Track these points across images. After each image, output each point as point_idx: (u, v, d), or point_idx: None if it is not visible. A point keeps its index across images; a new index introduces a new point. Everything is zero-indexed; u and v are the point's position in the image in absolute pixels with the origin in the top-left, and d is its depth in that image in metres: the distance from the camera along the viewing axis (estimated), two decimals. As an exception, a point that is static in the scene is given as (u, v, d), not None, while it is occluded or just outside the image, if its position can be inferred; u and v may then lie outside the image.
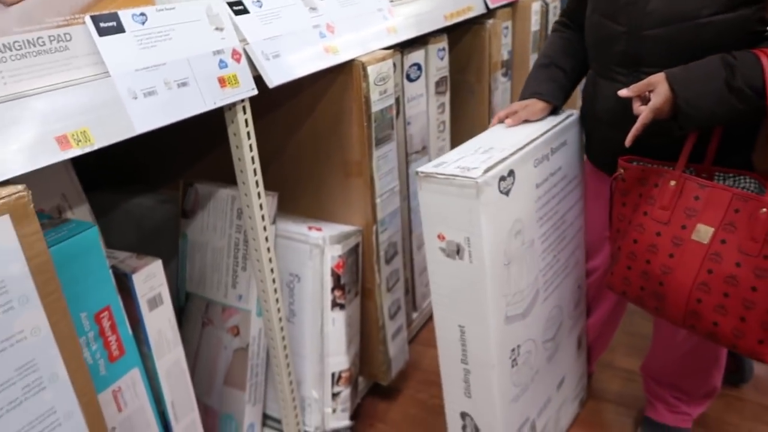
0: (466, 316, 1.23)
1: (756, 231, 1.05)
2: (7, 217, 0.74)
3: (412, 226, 1.91)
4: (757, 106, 1.03)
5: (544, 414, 1.47)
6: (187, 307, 1.54)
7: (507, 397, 1.30)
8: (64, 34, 0.85)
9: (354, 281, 1.54)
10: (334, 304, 1.47)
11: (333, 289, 1.46)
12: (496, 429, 1.30)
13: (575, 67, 1.41)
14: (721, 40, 1.08)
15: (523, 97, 1.42)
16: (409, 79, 1.76)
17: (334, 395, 1.53)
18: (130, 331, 1.04)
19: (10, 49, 0.78)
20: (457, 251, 1.17)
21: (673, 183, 1.17)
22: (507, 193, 1.17)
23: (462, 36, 2.11)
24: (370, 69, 1.39)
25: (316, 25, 1.33)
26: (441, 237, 1.19)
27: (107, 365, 1.01)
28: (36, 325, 0.79)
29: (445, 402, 1.38)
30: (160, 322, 1.13)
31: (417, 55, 1.76)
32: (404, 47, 1.71)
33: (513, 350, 1.29)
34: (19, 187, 0.75)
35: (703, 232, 1.11)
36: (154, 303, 1.12)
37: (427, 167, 1.18)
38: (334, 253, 1.44)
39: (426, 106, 1.87)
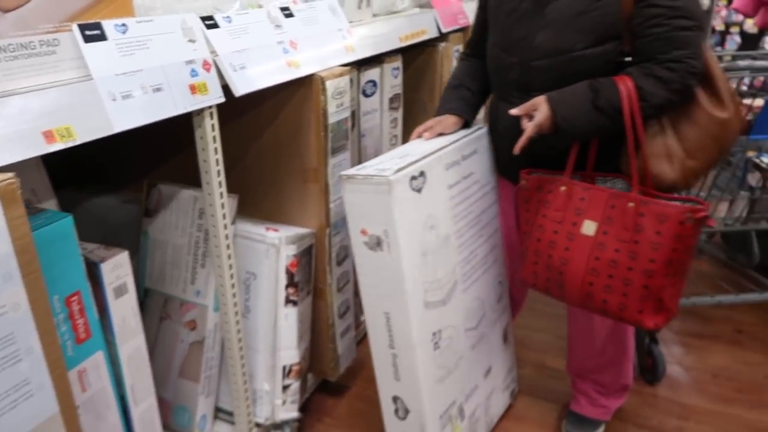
0: (390, 303, 1.39)
1: (627, 221, 1.30)
2: (-4, 202, 0.82)
3: (363, 232, 2.03)
4: (617, 121, 1.27)
5: (472, 399, 1.61)
6: (146, 303, 1.61)
7: (432, 378, 1.45)
8: (53, 39, 0.94)
9: (307, 280, 1.65)
10: (288, 301, 1.57)
11: (287, 287, 1.56)
12: (423, 408, 1.44)
13: (480, 88, 1.62)
14: (592, 69, 1.31)
15: (437, 114, 1.62)
16: (365, 95, 1.89)
17: (284, 387, 1.62)
18: (96, 316, 1.12)
19: (4, 51, 0.87)
20: (378, 243, 1.35)
21: (563, 188, 1.40)
22: (419, 191, 1.36)
23: (416, 57, 2.27)
24: (328, 83, 1.51)
25: (281, 41, 1.45)
26: (364, 232, 1.37)
27: (74, 346, 1.09)
28: (16, 302, 0.87)
29: (378, 388, 1.51)
30: (125, 310, 1.21)
31: (373, 73, 1.89)
32: (361, 65, 1.84)
33: (434, 334, 1.44)
34: (9, 174, 0.83)
35: (589, 227, 1.36)
36: (120, 291, 1.19)
37: (349, 171, 1.36)
38: (288, 253, 1.55)
39: (380, 120, 2.01)
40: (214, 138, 1.29)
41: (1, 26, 0.86)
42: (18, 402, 0.89)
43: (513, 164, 1.50)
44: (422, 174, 1.37)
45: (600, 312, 1.36)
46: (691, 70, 1.23)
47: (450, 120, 1.58)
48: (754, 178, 1.91)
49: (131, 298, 1.22)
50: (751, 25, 4.44)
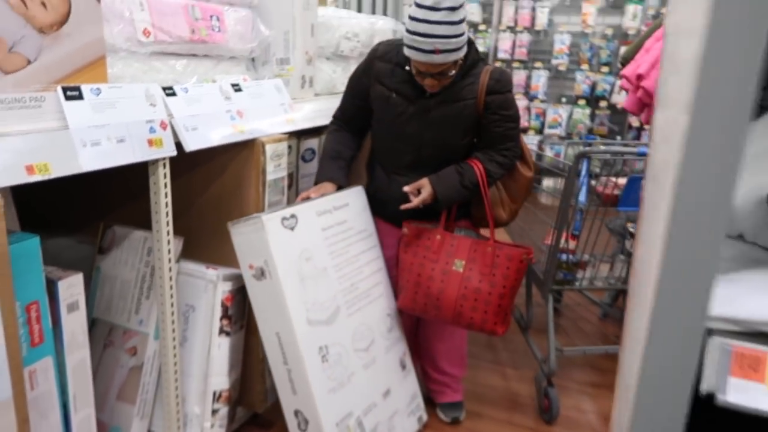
0: (278, 323, 1.67)
1: (486, 260, 1.88)
2: (-16, 215, 1.05)
3: (297, 281, 2.27)
4: (475, 192, 1.89)
5: (372, 415, 1.84)
6: (92, 332, 1.79)
7: (324, 387, 1.70)
8: (41, 96, 1.21)
9: (240, 315, 1.86)
10: (221, 331, 1.78)
11: (221, 318, 1.78)
12: (319, 416, 1.67)
13: (352, 155, 2.06)
14: (461, 153, 1.91)
15: (318, 181, 2.00)
16: (304, 160, 2.19)
17: (214, 411, 1.80)
18: (50, 325, 1.32)
19: (2, 102, 1.13)
20: (262, 273, 1.66)
21: (438, 237, 1.94)
22: (291, 229, 1.70)
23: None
24: (267, 147, 1.81)
25: (229, 110, 1.74)
26: (251, 266, 1.68)
27: (28, 348, 1.28)
28: (-11, 298, 1.08)
29: (282, 406, 1.74)
30: (75, 325, 1.41)
31: (311, 142, 2.20)
32: (302, 135, 2.16)
33: (321, 348, 1.72)
34: (-3, 195, 1.07)
35: (459, 265, 1.86)
36: (72, 308, 1.40)
37: (236, 221, 1.69)
38: (225, 288, 1.77)
39: (317, 183, 2.29)
40: (165, 185, 1.55)
41: (1, 84, 1.13)
42: (-21, 382, 1.08)
43: (398, 216, 1.97)
44: (293, 216, 1.72)
45: (467, 326, 1.90)
46: (517, 154, 1.92)
47: (330, 187, 1.96)
48: (630, 244, 2.26)
49: (81, 315, 1.42)
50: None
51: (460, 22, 1.64)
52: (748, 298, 0.76)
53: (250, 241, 1.66)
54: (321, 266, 1.78)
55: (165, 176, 1.54)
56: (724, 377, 0.72)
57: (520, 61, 5.71)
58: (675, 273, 0.68)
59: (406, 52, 1.72)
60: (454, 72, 1.75)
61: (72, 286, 1.40)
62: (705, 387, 0.73)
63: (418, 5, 1.63)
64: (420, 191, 1.86)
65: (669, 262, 0.68)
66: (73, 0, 1.23)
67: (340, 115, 2.07)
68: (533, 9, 5.60)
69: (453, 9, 1.61)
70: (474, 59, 1.83)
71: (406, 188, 1.86)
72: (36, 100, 1.20)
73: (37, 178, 1.16)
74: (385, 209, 2.04)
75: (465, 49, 1.73)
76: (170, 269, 1.63)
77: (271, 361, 1.74)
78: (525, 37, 5.65)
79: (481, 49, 5.85)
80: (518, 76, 5.72)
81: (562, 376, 2.48)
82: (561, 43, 5.55)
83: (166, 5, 1.61)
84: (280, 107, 2.00)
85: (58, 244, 1.96)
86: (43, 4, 1.18)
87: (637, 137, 5.25)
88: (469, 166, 1.86)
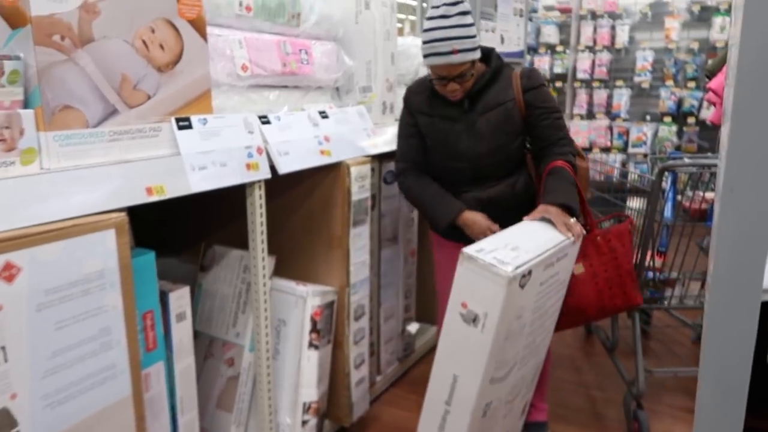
0: (463, 369, 1.53)
1: (602, 250, 1.93)
2: (113, 231, 1.20)
3: (380, 299, 2.35)
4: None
5: None
6: (195, 344, 1.94)
7: None
8: (158, 126, 1.36)
9: (328, 330, 1.96)
10: (311, 345, 1.88)
11: (311, 332, 1.87)
12: None
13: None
14: (517, 156, 1.94)
15: (454, 219, 1.89)
16: (385, 182, 2.29)
17: (304, 422, 1.89)
18: (162, 332, 1.46)
19: (128, 133, 1.29)
20: (474, 320, 1.48)
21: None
22: (523, 287, 1.49)
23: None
24: (352, 169, 1.91)
25: (317, 136, 1.87)
26: (464, 305, 1.49)
27: (144, 353, 1.42)
28: (115, 304, 1.23)
29: (418, 429, 1.65)
30: (183, 333, 1.55)
31: (393, 165, 2.29)
32: (384, 158, 2.26)
33: (488, 404, 1.59)
34: (123, 213, 1.22)
35: (579, 268, 1.92)
36: (180, 317, 1.54)
37: (470, 250, 1.49)
38: (314, 303, 1.87)
39: (399, 204, 2.38)
40: (261, 205, 1.68)
41: (127, 116, 1.29)
42: (106, 380, 1.22)
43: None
44: (530, 273, 1.49)
45: (614, 313, 2.05)
46: (572, 142, 1.93)
47: (478, 215, 1.89)
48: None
49: (188, 324, 1.56)
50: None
51: (471, 24, 1.78)
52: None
53: (480, 285, 1.45)
54: (523, 323, 1.59)
55: (261, 197, 1.67)
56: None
57: (601, 80, 5.62)
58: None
59: (427, 62, 1.80)
60: (473, 74, 1.82)
61: (180, 298, 1.54)
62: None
63: (431, 17, 1.77)
64: (548, 219, 1.72)
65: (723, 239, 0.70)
66: (185, 41, 1.39)
67: (405, 165, 2.01)
68: (613, 27, 5.51)
69: (463, 13, 1.75)
70: (497, 65, 1.90)
71: (526, 219, 1.76)
72: (154, 130, 1.36)
73: (155, 198, 1.31)
74: (457, 231, 1.96)
75: (479, 52, 1.80)
76: (264, 285, 1.75)
77: (430, 391, 1.60)
78: (605, 56, 5.56)
79: (558, 70, 5.82)
80: (599, 96, 5.62)
81: (653, 399, 2.39)
82: (643, 59, 5.41)
83: (261, 42, 1.76)
84: (363, 132, 2.11)
85: (164, 264, 2.14)
86: (161, 47, 1.34)
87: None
88: (555, 167, 1.83)
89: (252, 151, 1.61)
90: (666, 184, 1.93)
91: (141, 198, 1.28)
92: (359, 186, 1.96)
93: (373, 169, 2.06)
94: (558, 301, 1.83)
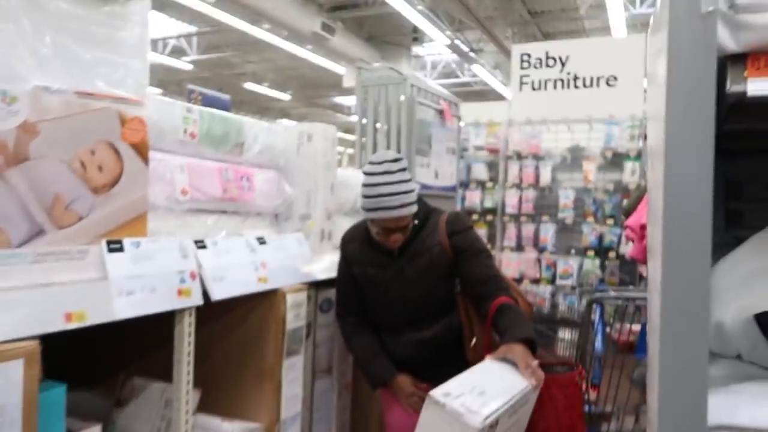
0: None
1: (541, 399, 1.74)
2: (21, 361, 1.09)
3: (312, 435, 2.20)
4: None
5: None
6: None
7: None
8: (85, 248, 1.31)
9: (254, 472, 1.79)
10: (234, 490, 1.70)
11: (235, 475, 1.71)
12: None
13: (380, 343, 2.07)
14: (449, 299, 1.99)
15: (385, 381, 2.01)
16: (321, 310, 2.24)
17: None
18: (64, 479, 1.29)
19: (53, 255, 1.23)
20: None
21: None
22: None
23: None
24: (289, 296, 1.87)
25: (254, 262, 1.84)
26: None
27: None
28: (13, 446, 1.08)
29: None
30: (87, 479, 1.37)
31: (329, 293, 2.27)
32: (320, 285, 2.23)
33: None
34: (35, 342, 1.12)
35: None
36: (87, 460, 1.37)
37: (436, 394, 1.49)
38: (240, 442, 1.73)
39: (334, 333, 2.32)
40: (189, 334, 1.59)
41: (54, 237, 1.23)
42: None
43: (418, 373, 1.99)
44: (497, 422, 1.49)
45: None
46: (507, 284, 1.95)
47: (407, 379, 2.00)
48: (653, 394, 2.20)
49: (95, 468, 1.39)
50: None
51: (411, 180, 1.92)
52: (748, 407, 0.78)
53: (445, 430, 1.45)
54: None
55: (190, 325, 1.59)
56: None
57: (528, 215, 5.95)
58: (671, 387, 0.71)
59: (373, 215, 1.87)
60: (411, 223, 1.92)
61: (90, 438, 1.38)
62: None
63: (373, 173, 1.86)
64: (510, 359, 1.70)
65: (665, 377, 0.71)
66: (125, 164, 1.39)
67: (344, 311, 2.13)
68: (537, 167, 5.95)
69: (404, 170, 1.89)
70: (426, 211, 2.00)
71: (489, 358, 1.73)
72: (81, 253, 1.30)
73: (74, 325, 1.22)
74: (401, 370, 2.04)
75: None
76: (187, 422, 1.61)
77: None
78: (531, 193, 5.94)
79: (489, 204, 6.13)
80: (527, 229, 5.91)
81: None
82: (565, 197, 5.81)
83: (203, 168, 1.78)
84: (301, 259, 2.10)
85: (75, 398, 1.95)
86: (100, 168, 1.32)
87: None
88: (503, 304, 1.83)
89: (185, 276, 1.55)
90: (594, 315, 1.98)
91: (58, 325, 1.19)
92: (294, 314, 1.91)
93: (309, 297, 2.03)
94: None
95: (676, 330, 0.71)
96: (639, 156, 5.53)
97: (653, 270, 0.82)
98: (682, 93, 0.75)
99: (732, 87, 0.78)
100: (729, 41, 0.77)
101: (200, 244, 1.66)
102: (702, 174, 0.71)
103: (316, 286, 2.19)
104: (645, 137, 5.11)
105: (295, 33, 8.24)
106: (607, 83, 5.70)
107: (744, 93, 0.77)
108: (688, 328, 0.71)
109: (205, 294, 1.61)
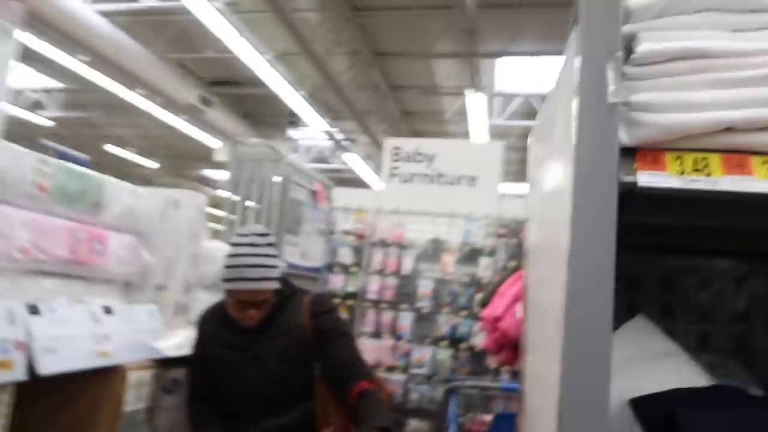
0: None
1: None
2: None
3: None
4: None
5: None
6: None
7: None
8: None
9: None
10: None
11: None
12: None
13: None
14: (308, 383, 1.91)
15: None
16: (166, 391, 2.05)
17: None
18: None
19: None
20: None
21: None
22: None
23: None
24: (130, 374, 1.70)
25: (95, 333, 1.66)
26: None
27: None
28: None
29: None
30: None
31: (177, 372, 2.09)
32: (170, 363, 2.05)
33: None
34: None
35: None
36: None
37: None
38: None
39: (178, 418, 2.11)
40: (5, 415, 1.37)
41: None
42: None
43: None
44: None
45: None
46: (370, 370, 1.93)
47: None
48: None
49: None
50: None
51: (277, 256, 1.89)
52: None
53: None
54: None
55: (7, 405, 1.37)
56: None
57: (388, 302, 6.05)
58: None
59: (231, 285, 1.81)
60: (272, 301, 1.87)
61: None
62: None
63: (238, 244, 1.83)
64: None
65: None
66: (-45, 213, 1.21)
67: (195, 397, 1.99)
68: (400, 255, 6.14)
69: (270, 245, 1.86)
70: (289, 291, 1.95)
71: None
72: None
73: None
74: None
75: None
76: None
77: None
78: (392, 281, 6.08)
79: (351, 289, 6.16)
80: (386, 317, 5.98)
81: None
82: (425, 287, 6.02)
83: (50, 225, 1.61)
84: (151, 333, 1.93)
85: None
86: None
87: (496, 376, 5.51)
88: (364, 389, 1.79)
89: (8, 345, 1.35)
90: (451, 404, 2.02)
91: None
92: (135, 395, 1.73)
93: (155, 376, 1.85)
94: None
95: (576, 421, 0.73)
96: (492, 253, 5.93)
97: (537, 363, 0.86)
98: (588, 182, 0.81)
99: (625, 177, 0.83)
100: (623, 135, 0.85)
101: (33, 310, 1.47)
102: (604, 268, 0.77)
103: (166, 363, 2.02)
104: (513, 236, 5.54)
105: (170, 102, 8.01)
106: (468, 183, 6.16)
107: (635, 183, 0.82)
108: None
109: (33, 367, 1.41)
